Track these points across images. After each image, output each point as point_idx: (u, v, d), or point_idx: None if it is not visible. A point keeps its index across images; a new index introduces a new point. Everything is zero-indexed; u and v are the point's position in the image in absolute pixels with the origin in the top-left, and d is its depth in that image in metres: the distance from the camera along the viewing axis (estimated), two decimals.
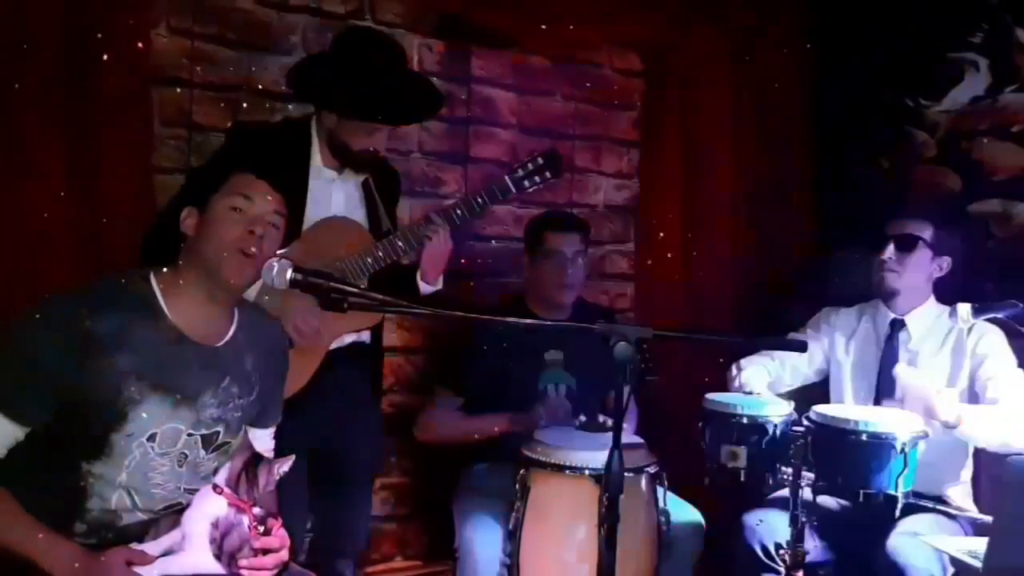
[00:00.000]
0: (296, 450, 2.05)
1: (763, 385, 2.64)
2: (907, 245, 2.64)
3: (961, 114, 3.38)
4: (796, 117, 3.62)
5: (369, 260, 2.42)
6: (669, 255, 3.66)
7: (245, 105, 2.82)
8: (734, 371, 2.71)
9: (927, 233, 2.65)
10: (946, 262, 2.69)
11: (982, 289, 3.11)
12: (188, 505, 1.78)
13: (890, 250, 2.65)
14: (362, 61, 2.38)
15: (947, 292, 2.71)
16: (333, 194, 2.50)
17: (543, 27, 3.30)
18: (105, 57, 2.43)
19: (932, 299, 2.72)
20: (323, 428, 2.48)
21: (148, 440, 1.73)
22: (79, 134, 2.39)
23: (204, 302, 1.80)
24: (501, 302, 3.08)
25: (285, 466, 1.83)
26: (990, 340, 2.57)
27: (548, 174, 2.60)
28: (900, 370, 2.45)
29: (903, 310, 2.71)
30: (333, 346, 2.47)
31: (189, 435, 1.78)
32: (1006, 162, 3.27)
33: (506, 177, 2.58)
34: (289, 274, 1.72)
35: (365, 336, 2.61)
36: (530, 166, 2.59)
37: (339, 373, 2.48)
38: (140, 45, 2.53)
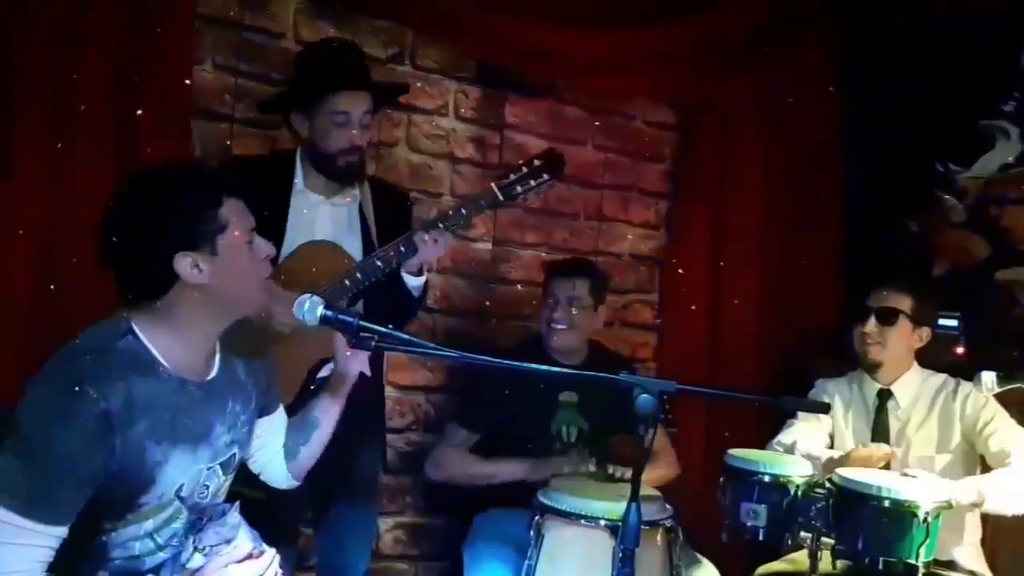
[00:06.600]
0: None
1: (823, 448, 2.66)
2: (888, 318, 2.67)
3: (990, 181, 3.39)
4: (827, 178, 3.64)
5: (347, 283, 2.33)
6: (693, 307, 3.67)
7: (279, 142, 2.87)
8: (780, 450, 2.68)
9: (907, 305, 2.67)
10: (926, 332, 2.71)
11: (1007, 357, 3.10)
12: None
13: (871, 323, 2.67)
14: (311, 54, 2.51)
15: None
16: (318, 218, 2.46)
17: (578, 78, 3.35)
18: (150, 91, 2.49)
19: (915, 366, 2.74)
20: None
21: (176, 493, 1.72)
22: (125, 163, 2.43)
23: (197, 340, 1.72)
24: (519, 342, 3.07)
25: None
26: (976, 399, 2.59)
27: (546, 176, 2.41)
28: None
29: (888, 380, 2.73)
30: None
31: (208, 468, 1.78)
32: None
33: (492, 184, 2.41)
34: (320, 311, 1.74)
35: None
36: (524, 169, 2.41)
37: None
38: (185, 81, 2.59)
